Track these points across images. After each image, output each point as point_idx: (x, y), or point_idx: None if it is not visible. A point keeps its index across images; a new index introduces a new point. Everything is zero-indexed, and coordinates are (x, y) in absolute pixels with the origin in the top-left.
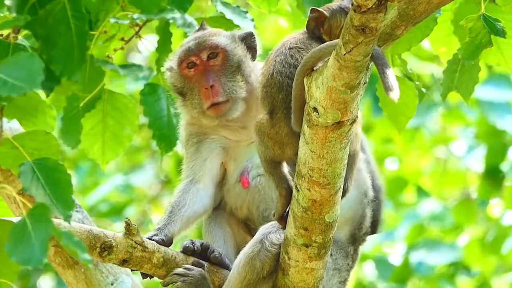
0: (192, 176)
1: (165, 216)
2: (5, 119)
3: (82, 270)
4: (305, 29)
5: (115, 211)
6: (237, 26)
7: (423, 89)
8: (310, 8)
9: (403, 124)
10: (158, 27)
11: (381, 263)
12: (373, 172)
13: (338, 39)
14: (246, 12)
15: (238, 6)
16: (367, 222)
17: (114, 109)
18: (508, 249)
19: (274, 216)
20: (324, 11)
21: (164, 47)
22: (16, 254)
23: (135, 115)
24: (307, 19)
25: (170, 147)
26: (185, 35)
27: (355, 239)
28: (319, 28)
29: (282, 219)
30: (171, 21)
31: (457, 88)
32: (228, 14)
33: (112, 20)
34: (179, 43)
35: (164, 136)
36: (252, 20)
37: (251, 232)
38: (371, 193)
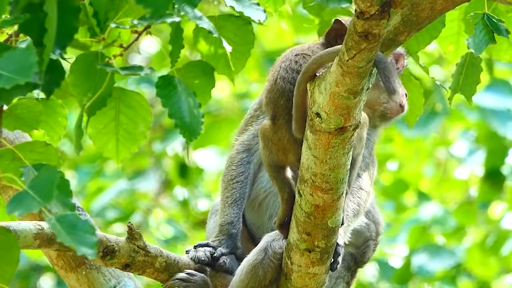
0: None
1: (236, 212)
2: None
3: (84, 273)
4: (320, 40)
5: (123, 218)
6: (246, 20)
7: (438, 82)
8: (334, 19)
9: (413, 120)
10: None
11: (382, 265)
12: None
13: (339, 45)
14: (258, 4)
15: None
16: (370, 253)
17: (126, 107)
18: (509, 251)
19: (275, 223)
20: (346, 24)
21: (176, 40)
22: None
23: (148, 112)
24: (329, 28)
25: (194, 134)
26: (197, 26)
27: (356, 262)
28: (336, 40)
29: (283, 226)
30: (182, 13)
31: (462, 90)
32: (238, 7)
33: (112, 25)
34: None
35: (187, 124)
36: (264, 11)
37: (255, 240)
38: (373, 227)
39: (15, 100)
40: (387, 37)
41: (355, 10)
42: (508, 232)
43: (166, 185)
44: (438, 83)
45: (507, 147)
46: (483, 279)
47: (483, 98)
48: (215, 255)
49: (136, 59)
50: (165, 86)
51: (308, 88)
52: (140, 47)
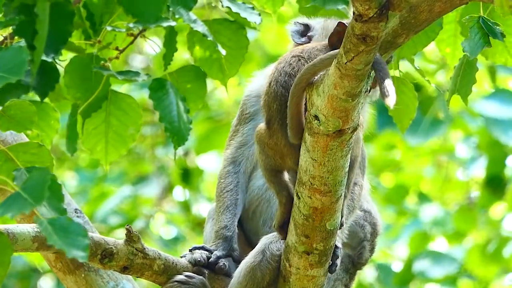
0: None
1: (229, 217)
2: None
3: (82, 275)
4: (323, 42)
5: (126, 224)
6: (241, 23)
7: (433, 85)
8: (338, 21)
9: (406, 124)
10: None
11: (383, 269)
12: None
13: (332, 52)
14: (253, 7)
15: (244, 2)
16: (367, 254)
17: (117, 109)
18: (509, 254)
19: (274, 226)
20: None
21: (170, 43)
22: None
23: (138, 115)
24: (332, 32)
25: (183, 140)
26: (191, 31)
27: (354, 264)
28: (340, 42)
29: (282, 228)
30: (177, 16)
31: (458, 90)
32: (234, 9)
33: (108, 28)
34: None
35: (176, 129)
36: (259, 14)
37: (252, 245)
38: (368, 228)
39: (8, 101)
40: (386, 39)
41: (353, 13)
42: (508, 238)
43: (169, 190)
44: (433, 85)
45: (508, 153)
46: (484, 280)
47: (486, 106)
48: (211, 259)
49: (137, 60)
50: (158, 89)
51: (306, 91)
52: (143, 48)
